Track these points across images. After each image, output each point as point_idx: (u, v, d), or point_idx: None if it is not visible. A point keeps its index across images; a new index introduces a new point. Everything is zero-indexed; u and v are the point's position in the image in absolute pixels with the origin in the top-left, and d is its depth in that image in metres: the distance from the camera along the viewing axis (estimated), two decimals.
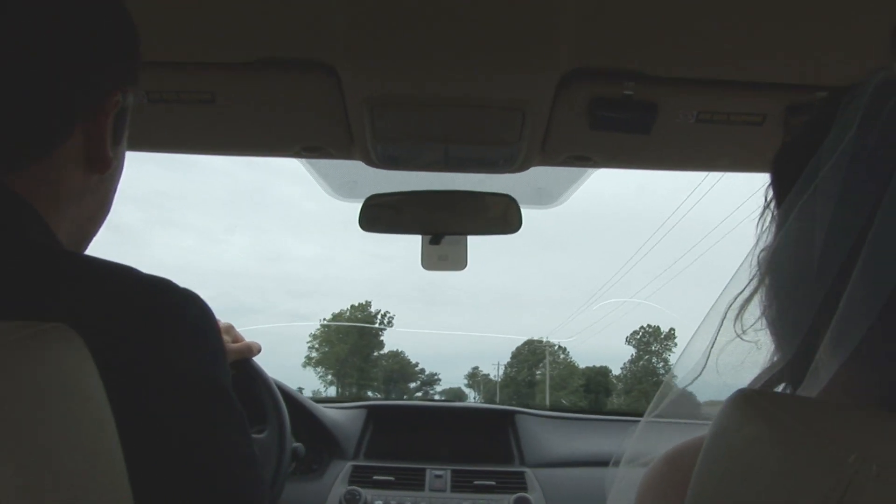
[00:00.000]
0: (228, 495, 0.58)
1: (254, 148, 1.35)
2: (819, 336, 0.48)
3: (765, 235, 0.56)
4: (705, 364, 0.57)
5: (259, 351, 1.36)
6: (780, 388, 0.53)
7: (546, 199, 1.68)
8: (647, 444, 0.62)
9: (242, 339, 1.34)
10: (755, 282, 0.54)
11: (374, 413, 2.21)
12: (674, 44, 0.97)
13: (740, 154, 1.26)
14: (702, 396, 0.60)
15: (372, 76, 1.04)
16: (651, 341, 48.24)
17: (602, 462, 0.66)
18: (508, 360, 49.35)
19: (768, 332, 0.54)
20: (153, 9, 0.88)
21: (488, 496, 1.94)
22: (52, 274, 0.56)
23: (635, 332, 48.55)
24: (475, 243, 1.65)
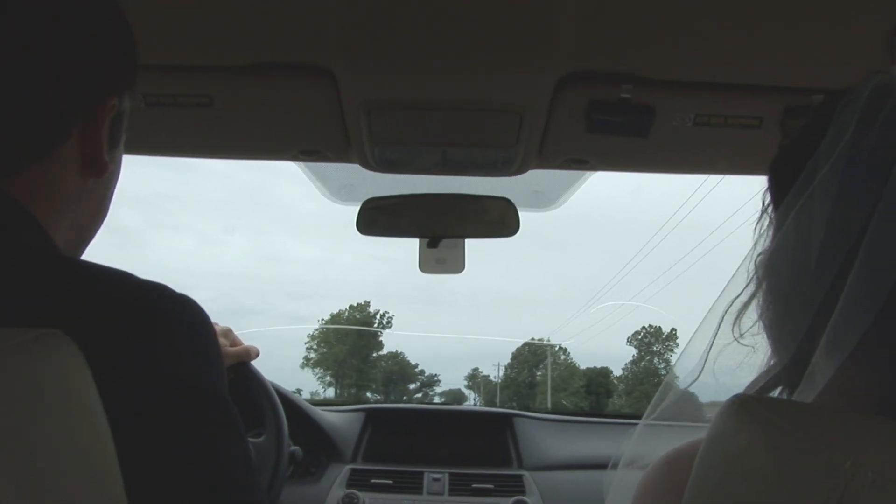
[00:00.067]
0: (225, 500, 0.58)
1: (251, 151, 1.35)
2: (816, 340, 0.48)
3: (762, 239, 0.56)
4: (703, 367, 0.57)
5: (257, 355, 1.35)
6: (776, 392, 0.53)
7: (544, 201, 1.68)
8: (645, 446, 0.62)
9: (241, 343, 1.34)
10: (753, 285, 0.54)
11: (371, 416, 2.21)
12: (671, 47, 0.97)
13: (737, 157, 1.26)
14: (699, 399, 0.60)
15: (369, 79, 1.05)
16: (652, 342, 48.16)
17: (600, 465, 0.66)
18: (509, 361, 49.37)
19: (765, 336, 0.54)
20: (150, 12, 0.88)
21: (486, 499, 1.94)
22: (47, 280, 0.55)
23: (636, 333, 48.50)
24: (473, 245, 1.65)
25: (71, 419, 0.46)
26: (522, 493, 1.95)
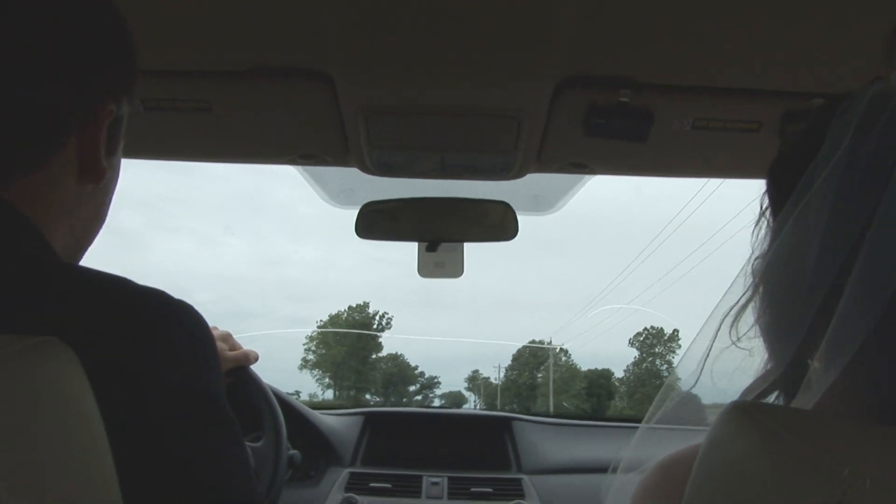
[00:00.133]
0: (223, 503, 0.58)
1: (250, 156, 1.35)
2: (813, 345, 0.48)
3: (760, 244, 0.56)
4: (700, 372, 0.57)
5: (257, 359, 1.35)
6: (774, 397, 0.53)
7: (543, 205, 1.68)
8: (644, 450, 0.62)
9: (240, 348, 1.34)
10: (750, 290, 0.55)
11: (370, 420, 2.21)
12: (669, 51, 0.97)
13: (736, 161, 1.26)
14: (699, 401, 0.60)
15: (367, 84, 1.05)
16: (654, 343, 47.95)
17: (599, 469, 0.66)
18: (509, 362, 49.29)
19: (762, 340, 0.54)
20: (150, 17, 0.88)
21: (485, 503, 1.93)
22: (46, 286, 0.55)
23: (638, 334, 48.23)
24: (472, 248, 1.65)
25: (68, 426, 0.46)
26: (521, 496, 1.95)
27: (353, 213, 1.59)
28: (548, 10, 0.87)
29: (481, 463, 2.13)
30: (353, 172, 1.34)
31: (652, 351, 48.02)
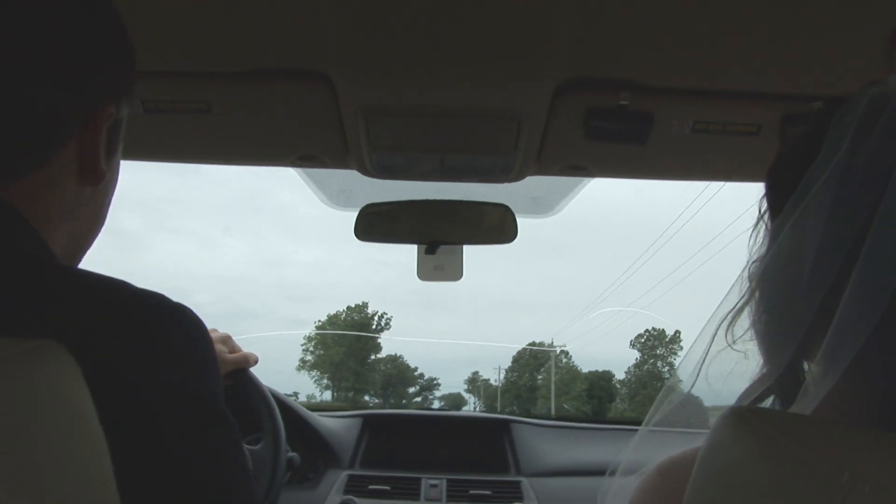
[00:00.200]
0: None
1: (249, 157, 1.35)
2: (809, 350, 0.48)
3: (758, 248, 0.56)
4: (697, 375, 0.57)
5: (256, 362, 1.35)
6: (769, 402, 0.53)
7: (542, 208, 1.68)
8: (643, 453, 0.62)
9: (239, 350, 1.34)
10: (746, 294, 0.54)
11: (369, 422, 2.21)
12: (669, 54, 0.97)
13: (736, 164, 1.26)
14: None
15: (367, 86, 1.05)
16: (656, 345, 47.83)
17: (598, 471, 0.65)
18: (509, 364, 49.20)
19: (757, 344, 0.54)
20: (149, 18, 0.88)
21: None
22: (44, 288, 0.55)
23: (639, 336, 48.04)
24: (472, 249, 1.65)
25: (67, 428, 0.46)
26: (520, 499, 1.95)
27: (352, 215, 1.58)
28: (548, 11, 0.87)
29: (480, 465, 2.13)
30: (352, 175, 1.34)
31: (653, 353, 47.86)
